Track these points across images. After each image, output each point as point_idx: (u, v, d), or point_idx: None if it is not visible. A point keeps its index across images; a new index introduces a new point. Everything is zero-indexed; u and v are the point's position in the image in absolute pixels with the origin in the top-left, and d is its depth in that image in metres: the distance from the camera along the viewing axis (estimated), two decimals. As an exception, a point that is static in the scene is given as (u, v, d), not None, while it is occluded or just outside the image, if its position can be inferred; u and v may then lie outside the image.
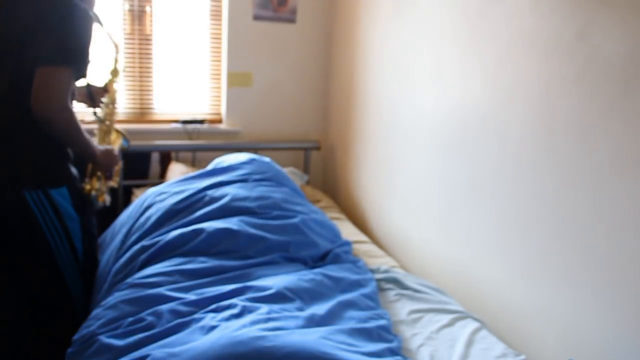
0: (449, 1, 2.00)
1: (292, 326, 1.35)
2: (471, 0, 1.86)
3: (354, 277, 1.77)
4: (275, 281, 1.57)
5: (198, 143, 2.94)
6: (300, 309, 1.47)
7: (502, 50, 1.72)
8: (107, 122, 1.93)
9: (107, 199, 1.91)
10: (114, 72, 1.95)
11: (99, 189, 1.86)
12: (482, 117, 1.83)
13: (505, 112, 1.72)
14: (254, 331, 1.27)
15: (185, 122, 2.97)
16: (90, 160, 1.77)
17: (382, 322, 1.54)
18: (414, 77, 2.26)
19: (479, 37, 1.83)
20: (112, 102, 1.94)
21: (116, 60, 1.95)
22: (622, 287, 1.33)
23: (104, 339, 1.31)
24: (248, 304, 1.43)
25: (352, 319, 1.51)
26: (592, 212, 1.41)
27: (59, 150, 1.65)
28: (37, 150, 1.61)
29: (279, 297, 1.49)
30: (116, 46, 1.92)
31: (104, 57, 2.17)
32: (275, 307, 1.44)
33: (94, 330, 1.36)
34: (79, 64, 1.57)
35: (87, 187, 1.81)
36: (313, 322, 1.41)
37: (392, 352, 1.41)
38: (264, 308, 1.41)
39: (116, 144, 1.97)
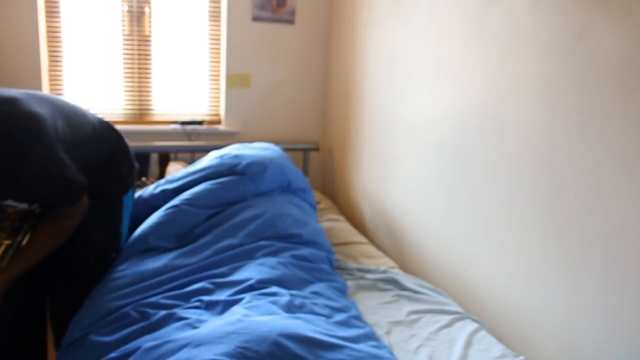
0: (448, 2, 2.00)
1: (274, 312, 1.40)
2: (470, 0, 1.87)
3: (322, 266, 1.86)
4: (251, 273, 1.63)
5: (197, 144, 2.94)
6: (278, 298, 1.52)
7: (502, 51, 1.72)
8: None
9: None
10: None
11: None
12: (482, 118, 1.83)
13: (504, 113, 1.72)
14: (247, 316, 1.31)
15: (184, 123, 2.97)
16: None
17: (353, 312, 1.61)
18: (413, 78, 2.26)
19: (478, 37, 1.83)
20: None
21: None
22: (622, 287, 1.33)
23: (93, 337, 1.32)
24: (230, 298, 1.49)
25: (326, 306, 1.56)
26: (592, 213, 1.41)
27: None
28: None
29: (256, 288, 1.55)
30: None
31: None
32: (256, 296, 1.50)
33: (80, 328, 1.38)
34: None
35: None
36: (291, 310, 1.46)
37: (367, 337, 1.46)
38: (247, 298, 1.47)
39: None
